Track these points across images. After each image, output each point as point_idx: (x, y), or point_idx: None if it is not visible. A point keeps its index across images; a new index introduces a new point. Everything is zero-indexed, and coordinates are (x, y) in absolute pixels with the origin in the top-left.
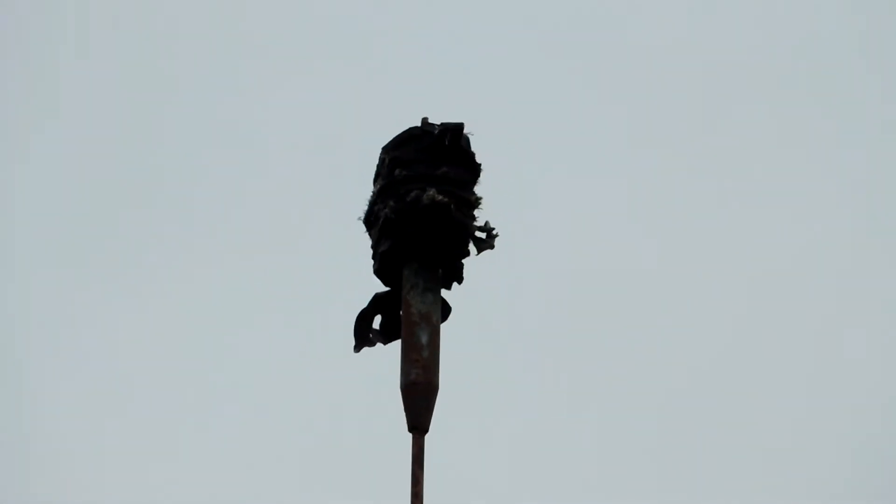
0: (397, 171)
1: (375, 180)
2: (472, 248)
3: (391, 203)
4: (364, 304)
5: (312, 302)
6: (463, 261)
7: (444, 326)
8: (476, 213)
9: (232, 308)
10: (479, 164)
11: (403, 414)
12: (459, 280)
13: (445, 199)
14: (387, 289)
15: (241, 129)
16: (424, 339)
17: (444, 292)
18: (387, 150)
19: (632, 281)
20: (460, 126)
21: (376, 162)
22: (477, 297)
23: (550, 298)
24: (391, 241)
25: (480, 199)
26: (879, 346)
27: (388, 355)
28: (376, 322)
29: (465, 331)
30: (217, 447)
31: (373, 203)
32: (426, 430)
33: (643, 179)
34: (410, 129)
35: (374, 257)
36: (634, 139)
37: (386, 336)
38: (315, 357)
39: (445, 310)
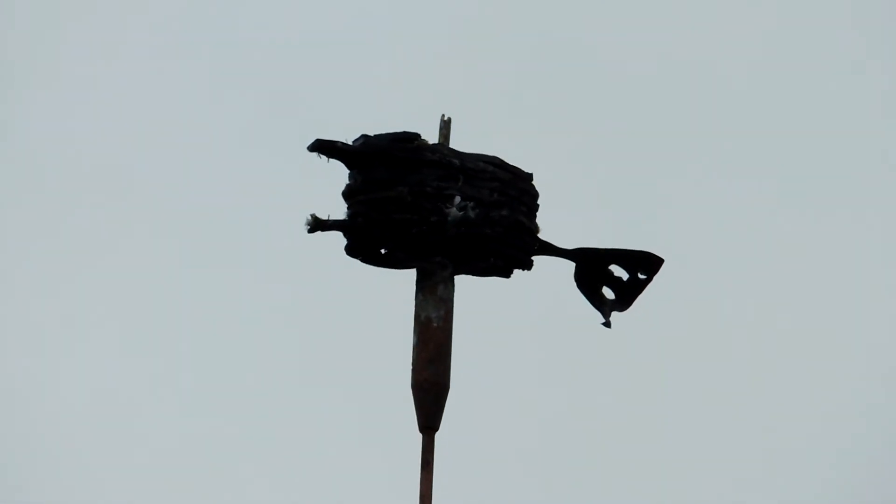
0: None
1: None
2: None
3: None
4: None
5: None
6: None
7: (457, 326)
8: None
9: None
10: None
11: (414, 413)
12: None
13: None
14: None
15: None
16: (414, 340)
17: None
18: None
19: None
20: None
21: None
22: (498, 294)
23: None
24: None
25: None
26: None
27: (400, 353)
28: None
29: (476, 330)
30: (219, 444)
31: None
32: (436, 430)
33: None
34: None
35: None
36: None
37: (622, 301)
38: (322, 355)
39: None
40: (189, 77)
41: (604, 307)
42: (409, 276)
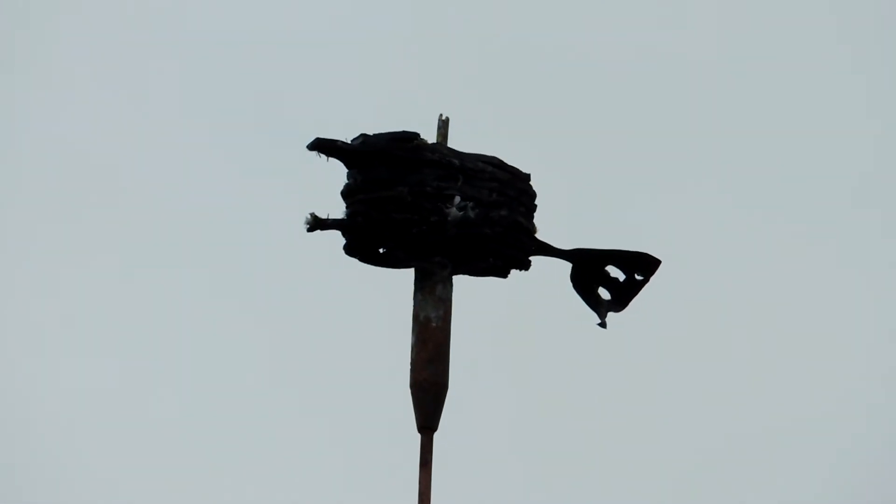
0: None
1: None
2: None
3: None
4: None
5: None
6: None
7: (455, 326)
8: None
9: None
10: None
11: (413, 413)
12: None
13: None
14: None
15: None
16: (413, 339)
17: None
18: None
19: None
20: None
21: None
22: (494, 293)
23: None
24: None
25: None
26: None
27: (398, 353)
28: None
29: (475, 330)
30: (219, 444)
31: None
32: (435, 429)
33: None
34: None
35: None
36: None
37: (618, 302)
38: (321, 354)
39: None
40: (188, 77)
41: (600, 308)
42: (408, 275)
